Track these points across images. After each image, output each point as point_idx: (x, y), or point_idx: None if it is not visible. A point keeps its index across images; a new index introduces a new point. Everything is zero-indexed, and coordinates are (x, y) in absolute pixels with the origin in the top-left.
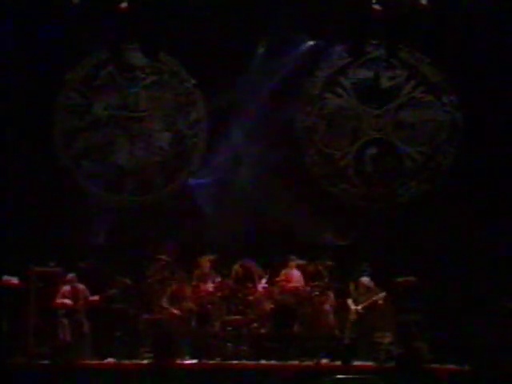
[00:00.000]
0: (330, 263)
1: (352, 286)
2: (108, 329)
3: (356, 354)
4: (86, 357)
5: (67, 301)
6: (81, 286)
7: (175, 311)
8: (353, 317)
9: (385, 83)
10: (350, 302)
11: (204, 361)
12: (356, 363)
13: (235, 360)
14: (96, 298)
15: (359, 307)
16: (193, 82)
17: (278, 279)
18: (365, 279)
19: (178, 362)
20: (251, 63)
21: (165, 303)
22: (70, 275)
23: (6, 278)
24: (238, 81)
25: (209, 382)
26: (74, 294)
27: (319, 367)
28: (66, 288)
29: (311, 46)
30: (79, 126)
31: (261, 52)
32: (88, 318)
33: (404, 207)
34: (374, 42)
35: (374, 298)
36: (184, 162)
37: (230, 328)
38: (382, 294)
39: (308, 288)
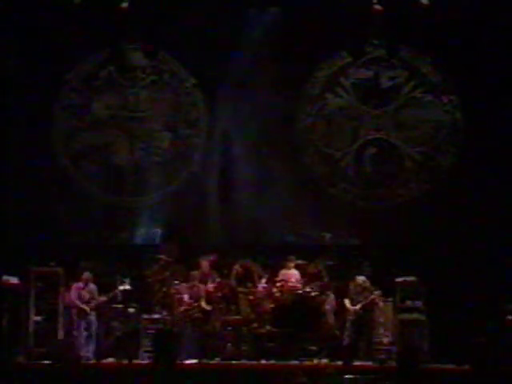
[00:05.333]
0: (330, 263)
1: (351, 286)
2: (108, 329)
3: (356, 354)
4: (87, 357)
5: (84, 306)
6: (93, 286)
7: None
8: (351, 317)
9: (385, 83)
10: (346, 301)
11: (204, 361)
12: (356, 363)
13: (235, 360)
14: (104, 298)
15: (357, 307)
16: (193, 81)
17: (277, 279)
18: (360, 278)
19: (178, 362)
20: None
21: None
22: (86, 274)
23: (5, 278)
24: (237, 80)
25: (209, 381)
26: (88, 293)
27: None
28: (80, 285)
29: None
30: (79, 126)
31: None
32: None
33: (404, 207)
34: (374, 42)
35: (370, 297)
36: (184, 162)
37: (229, 328)
38: (378, 292)
39: (308, 288)
